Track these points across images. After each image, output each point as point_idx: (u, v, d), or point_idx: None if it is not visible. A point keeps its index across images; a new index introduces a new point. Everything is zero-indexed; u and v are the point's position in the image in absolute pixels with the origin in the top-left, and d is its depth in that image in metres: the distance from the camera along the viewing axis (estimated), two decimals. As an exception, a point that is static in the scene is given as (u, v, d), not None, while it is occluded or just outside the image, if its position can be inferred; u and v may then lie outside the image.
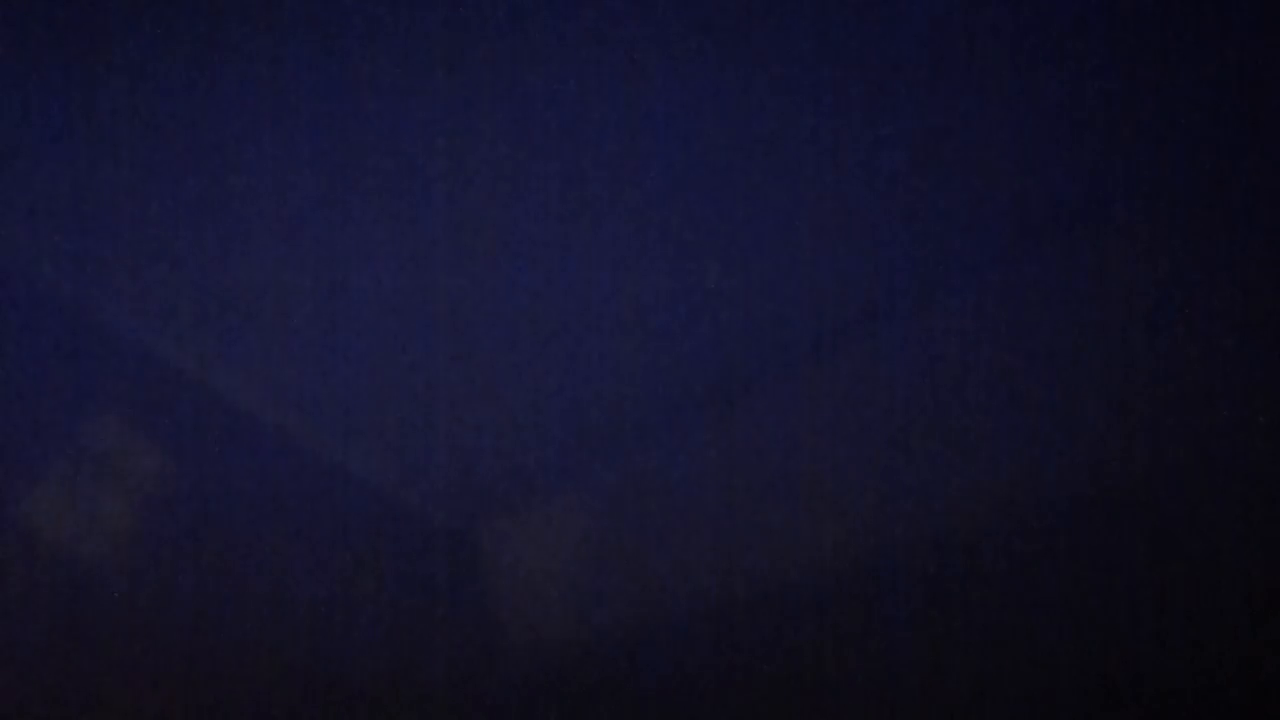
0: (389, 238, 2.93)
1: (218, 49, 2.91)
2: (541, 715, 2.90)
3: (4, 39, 2.89)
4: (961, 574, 2.96)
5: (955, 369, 2.96)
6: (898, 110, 2.95)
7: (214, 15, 2.91)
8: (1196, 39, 2.97)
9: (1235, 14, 2.97)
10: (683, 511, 2.91)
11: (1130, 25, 2.97)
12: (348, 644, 2.90)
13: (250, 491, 2.91)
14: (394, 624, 2.89)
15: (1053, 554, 2.97)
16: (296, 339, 2.92)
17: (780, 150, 2.95)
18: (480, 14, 2.93)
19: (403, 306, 2.92)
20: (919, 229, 2.96)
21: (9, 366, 2.89)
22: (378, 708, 2.88)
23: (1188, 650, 2.97)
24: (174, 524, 2.92)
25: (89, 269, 2.91)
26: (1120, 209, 2.98)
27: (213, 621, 2.91)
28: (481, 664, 2.90)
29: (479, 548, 2.90)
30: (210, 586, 2.91)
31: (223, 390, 2.91)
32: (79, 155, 2.90)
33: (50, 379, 2.90)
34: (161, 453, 2.92)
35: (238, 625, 2.89)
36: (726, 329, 2.95)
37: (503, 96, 2.94)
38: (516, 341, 2.92)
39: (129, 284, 2.92)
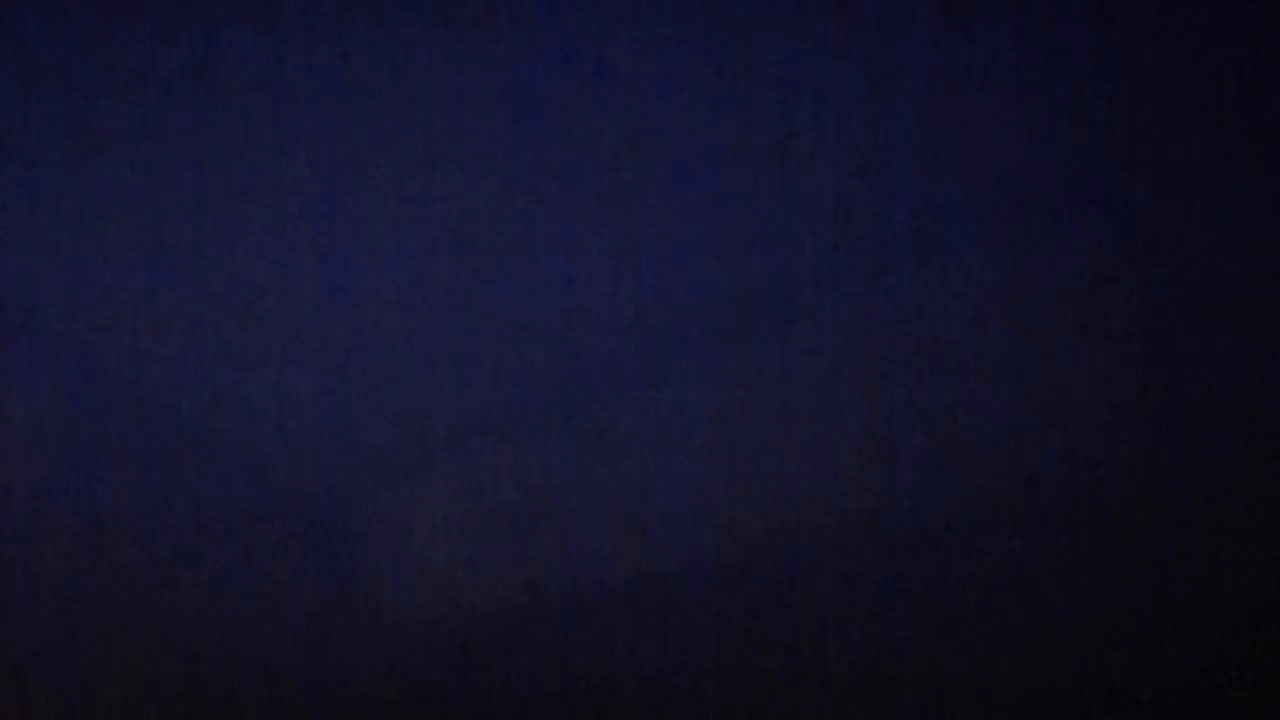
0: (388, 237, 2.93)
1: (218, 49, 2.91)
2: (415, 693, 2.89)
3: (4, 39, 2.89)
4: (940, 578, 2.96)
5: (954, 369, 2.96)
6: (898, 109, 2.95)
7: (214, 15, 2.91)
8: (1197, 39, 2.97)
9: (1235, 14, 2.97)
10: (578, 495, 2.91)
11: (1130, 25, 2.97)
12: (212, 610, 2.88)
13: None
14: (261, 591, 2.88)
15: (1045, 543, 2.97)
16: (295, 337, 2.92)
17: (780, 144, 2.95)
18: (481, 14, 2.93)
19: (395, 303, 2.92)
20: (917, 226, 2.96)
21: (9, 367, 2.89)
22: (236, 668, 2.86)
23: (1188, 650, 2.97)
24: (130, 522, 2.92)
25: (89, 269, 2.90)
26: (1120, 209, 2.98)
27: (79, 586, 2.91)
28: (352, 641, 2.89)
29: (360, 520, 2.89)
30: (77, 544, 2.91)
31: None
32: (79, 155, 2.90)
33: (50, 380, 2.90)
34: (160, 452, 2.92)
35: (107, 592, 2.88)
36: (655, 309, 2.94)
37: (502, 93, 2.94)
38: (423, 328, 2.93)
39: (129, 285, 2.91)
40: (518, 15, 2.93)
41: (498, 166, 2.93)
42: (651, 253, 2.92)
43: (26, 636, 2.88)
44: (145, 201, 2.90)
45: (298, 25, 2.91)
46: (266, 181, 2.91)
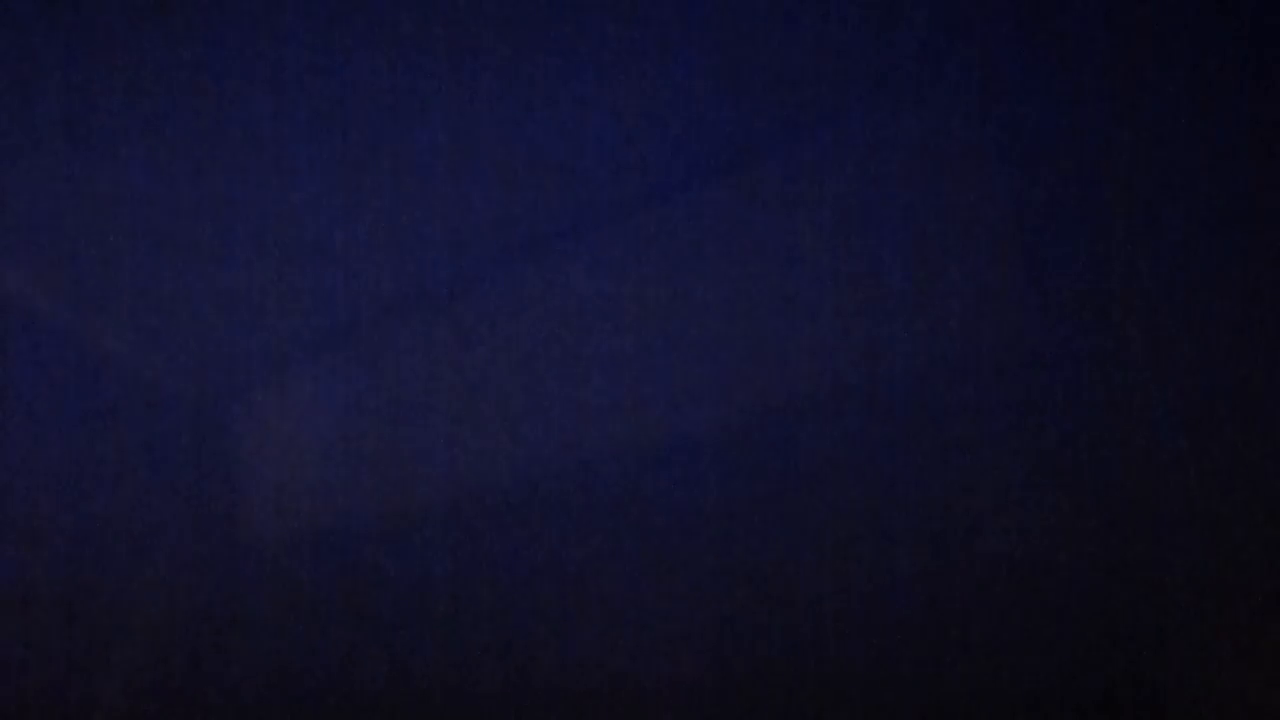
0: (389, 236, 2.93)
1: (218, 49, 2.91)
2: (284, 602, 2.89)
3: (4, 39, 2.89)
4: (934, 574, 2.97)
5: (952, 368, 2.97)
6: (898, 109, 2.95)
7: (214, 15, 2.91)
8: (1196, 39, 2.98)
9: (1235, 14, 2.97)
10: (441, 407, 2.91)
11: (1131, 25, 2.98)
12: (80, 516, 2.88)
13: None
14: (133, 496, 2.88)
15: (1045, 541, 2.98)
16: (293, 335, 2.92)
17: (779, 145, 2.95)
18: (481, 13, 2.93)
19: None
20: (918, 227, 2.96)
21: (9, 368, 2.89)
22: (110, 569, 2.86)
23: (1188, 650, 2.97)
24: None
25: (89, 270, 2.91)
26: (1121, 208, 2.98)
27: None
28: (221, 548, 2.89)
29: (227, 425, 2.89)
30: None
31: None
32: (79, 155, 2.90)
33: (50, 381, 2.90)
34: (161, 452, 2.92)
35: None
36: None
37: (503, 95, 2.94)
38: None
39: (128, 284, 2.91)
40: (519, 15, 2.94)
41: (497, 165, 2.94)
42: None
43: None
44: (145, 201, 2.90)
45: (298, 25, 2.91)
46: (266, 181, 2.92)
